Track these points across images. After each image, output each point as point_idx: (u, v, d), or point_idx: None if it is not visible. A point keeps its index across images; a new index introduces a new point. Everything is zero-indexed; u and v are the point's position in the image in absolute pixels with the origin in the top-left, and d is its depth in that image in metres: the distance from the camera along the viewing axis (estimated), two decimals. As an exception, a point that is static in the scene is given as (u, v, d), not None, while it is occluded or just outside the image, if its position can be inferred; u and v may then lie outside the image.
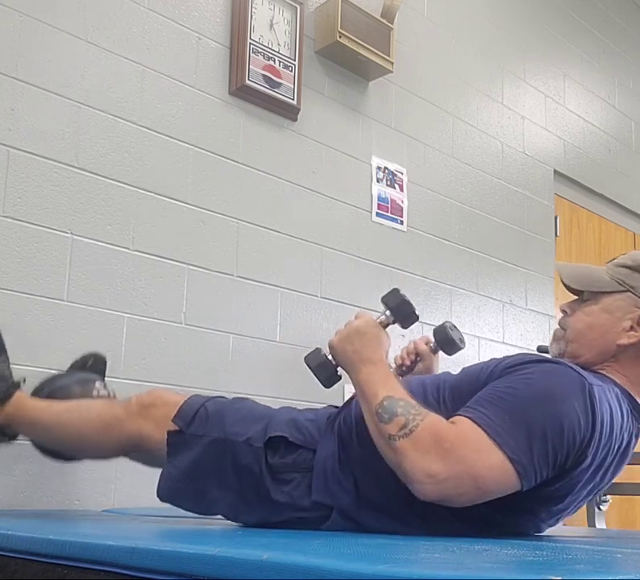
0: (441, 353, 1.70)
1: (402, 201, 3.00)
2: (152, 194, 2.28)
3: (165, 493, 1.47)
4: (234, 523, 1.47)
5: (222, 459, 1.40)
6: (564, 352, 1.40)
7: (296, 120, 2.68)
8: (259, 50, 2.56)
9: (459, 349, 1.64)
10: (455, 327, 1.65)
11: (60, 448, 1.73)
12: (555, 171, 3.75)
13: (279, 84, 2.60)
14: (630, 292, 1.35)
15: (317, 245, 2.69)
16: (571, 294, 1.46)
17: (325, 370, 1.43)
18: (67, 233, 2.10)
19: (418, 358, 1.71)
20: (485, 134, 3.42)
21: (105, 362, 2.00)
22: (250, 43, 2.53)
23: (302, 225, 2.66)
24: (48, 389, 1.84)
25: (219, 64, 2.52)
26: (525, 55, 3.69)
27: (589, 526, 2.49)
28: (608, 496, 2.61)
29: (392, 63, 2.89)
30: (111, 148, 2.22)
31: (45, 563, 1.04)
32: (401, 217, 2.99)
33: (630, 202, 4.21)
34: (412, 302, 1.44)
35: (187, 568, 0.85)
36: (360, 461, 1.32)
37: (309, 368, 1.45)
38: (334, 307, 2.71)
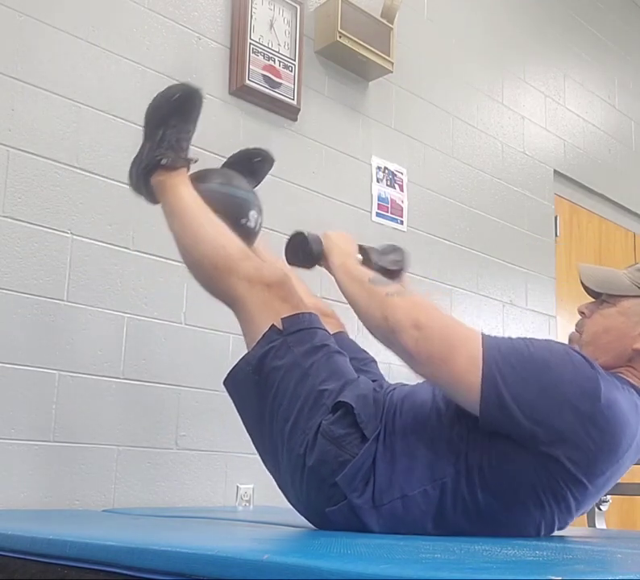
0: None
1: (402, 201, 3.00)
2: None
3: (233, 377, 1.45)
4: (255, 452, 1.46)
5: (293, 389, 1.37)
6: None
7: (296, 120, 2.68)
8: (259, 50, 2.56)
9: (396, 272, 1.59)
10: (394, 249, 1.61)
11: (179, 249, 1.61)
12: (555, 171, 3.75)
13: (279, 84, 2.60)
14: None
15: (318, 245, 2.69)
16: (589, 296, 1.46)
17: (317, 246, 1.51)
18: (67, 233, 2.10)
19: None
20: (485, 134, 3.42)
21: (270, 167, 1.92)
22: (250, 43, 2.53)
23: (302, 225, 2.65)
24: (206, 187, 1.69)
25: (219, 64, 2.52)
26: (525, 56, 3.69)
27: (589, 526, 2.49)
28: (609, 496, 2.61)
29: (392, 63, 2.89)
30: (111, 148, 2.21)
31: (45, 563, 1.04)
32: (401, 217, 2.99)
33: (630, 202, 4.21)
34: (382, 259, 1.56)
35: (187, 568, 0.85)
36: (384, 466, 1.31)
37: (301, 240, 1.52)
38: (335, 307, 2.70)
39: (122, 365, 2.16)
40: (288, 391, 1.37)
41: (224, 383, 1.48)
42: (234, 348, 2.39)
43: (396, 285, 1.35)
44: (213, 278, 1.53)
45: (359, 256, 1.55)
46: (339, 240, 1.53)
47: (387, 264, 1.59)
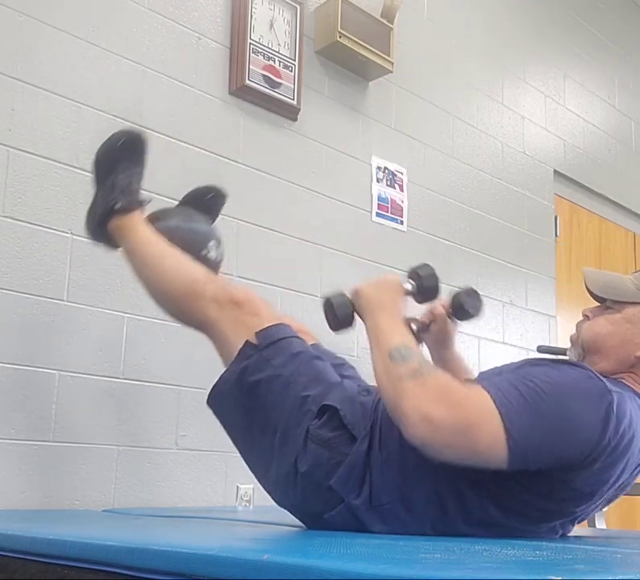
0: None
1: (402, 201, 3.00)
2: (152, 194, 2.27)
3: (214, 396, 1.46)
4: (246, 465, 1.48)
5: (276, 398, 1.38)
6: (583, 358, 1.40)
7: (296, 120, 2.68)
8: (259, 50, 2.56)
9: (471, 317, 1.58)
10: (475, 294, 1.59)
11: (145, 286, 1.65)
12: (555, 171, 3.75)
13: (279, 84, 2.60)
14: None
15: (317, 245, 2.69)
16: (594, 300, 1.45)
17: (344, 310, 1.44)
18: (67, 233, 2.10)
19: (433, 319, 1.64)
20: (485, 134, 3.42)
21: (224, 201, 1.95)
22: (250, 43, 2.53)
23: (302, 225, 2.66)
24: (162, 225, 1.74)
25: (219, 64, 2.52)
26: (525, 55, 3.69)
27: (589, 526, 2.49)
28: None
29: (392, 63, 2.89)
30: (111, 148, 2.21)
31: (45, 563, 1.04)
32: (401, 217, 2.99)
33: (630, 202, 4.21)
34: (439, 279, 1.47)
35: (187, 568, 0.85)
36: (380, 466, 1.31)
37: (328, 306, 1.46)
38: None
39: (122, 365, 2.15)
40: (272, 402, 1.38)
41: (207, 403, 1.49)
42: (234, 348, 2.39)
43: (414, 363, 1.24)
44: (182, 306, 1.55)
45: (410, 283, 1.48)
46: (372, 293, 1.42)
47: (470, 307, 1.56)
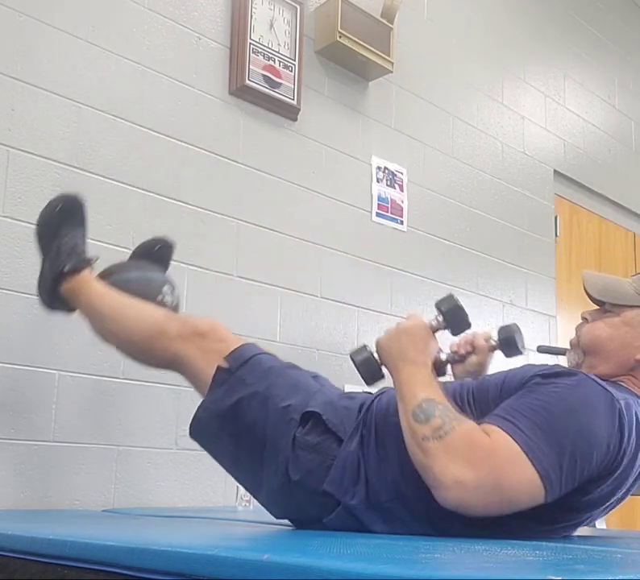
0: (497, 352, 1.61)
1: (402, 201, 3.00)
2: (152, 194, 2.28)
3: (196, 427, 1.48)
4: (238, 484, 1.51)
5: (258, 415, 1.39)
6: (582, 362, 1.39)
7: (296, 120, 2.68)
8: (259, 50, 2.56)
9: (519, 354, 1.54)
10: (519, 330, 1.57)
11: (108, 339, 1.69)
12: (555, 171, 3.75)
13: (279, 84, 2.60)
14: None
15: (317, 245, 2.69)
16: (593, 303, 1.44)
17: (369, 366, 1.42)
18: (67, 233, 2.10)
19: (471, 351, 1.61)
20: (485, 134, 3.41)
21: (172, 251, 1.98)
22: (250, 43, 2.53)
23: (302, 225, 2.66)
24: (115, 278, 1.79)
25: (219, 64, 2.52)
26: (525, 55, 3.69)
27: (589, 526, 2.49)
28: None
29: (392, 63, 2.89)
30: (111, 148, 2.21)
31: (45, 563, 1.04)
32: (401, 217, 2.99)
33: (630, 202, 4.21)
34: (466, 310, 1.42)
35: (187, 568, 0.85)
36: (376, 464, 1.31)
37: (354, 364, 1.44)
38: (334, 307, 2.71)
39: (122, 365, 2.15)
40: (254, 420, 1.40)
41: (190, 435, 1.51)
42: (234, 348, 2.39)
43: (436, 420, 1.21)
44: (148, 349, 1.57)
45: (437, 319, 1.41)
46: (393, 345, 1.37)
47: (520, 345, 1.52)
